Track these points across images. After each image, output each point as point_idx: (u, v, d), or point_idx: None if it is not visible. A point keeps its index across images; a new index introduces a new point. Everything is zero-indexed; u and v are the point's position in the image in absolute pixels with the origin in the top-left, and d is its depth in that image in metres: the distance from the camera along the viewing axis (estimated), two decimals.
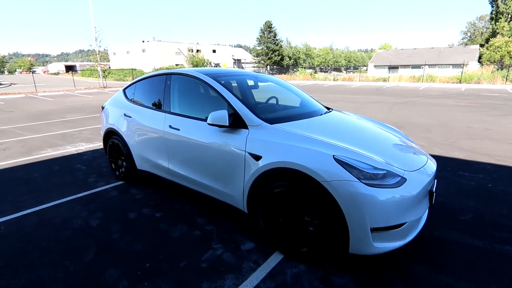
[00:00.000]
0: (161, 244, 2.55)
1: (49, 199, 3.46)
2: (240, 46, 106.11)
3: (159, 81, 3.41)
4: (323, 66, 61.39)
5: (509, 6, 36.78)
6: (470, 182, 3.78)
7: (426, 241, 2.51)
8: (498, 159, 4.68)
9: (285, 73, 39.68)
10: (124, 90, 4.03)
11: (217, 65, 49.84)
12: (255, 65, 52.49)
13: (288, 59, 55.16)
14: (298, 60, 57.89)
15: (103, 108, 4.28)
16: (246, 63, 61.23)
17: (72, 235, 2.71)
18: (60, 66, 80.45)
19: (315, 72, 40.67)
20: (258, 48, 52.76)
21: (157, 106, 3.36)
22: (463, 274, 2.12)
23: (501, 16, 37.77)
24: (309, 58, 63.06)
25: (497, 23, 38.24)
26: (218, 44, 64.44)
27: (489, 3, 39.97)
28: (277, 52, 51.55)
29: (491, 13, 40.02)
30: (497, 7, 38.04)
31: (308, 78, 33.93)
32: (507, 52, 32.40)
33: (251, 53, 60.57)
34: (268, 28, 50.98)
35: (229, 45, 73.36)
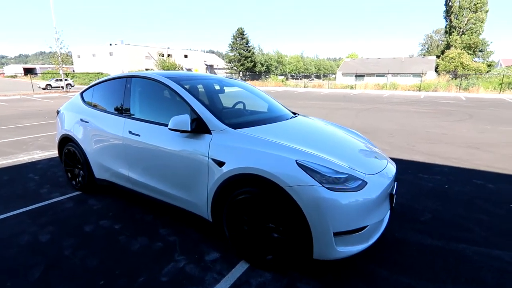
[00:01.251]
0: (118, 258, 2.37)
1: None
2: (212, 52, 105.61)
3: (119, 84, 3.24)
4: (294, 73, 62.82)
5: (461, 21, 40.18)
6: (428, 183, 3.97)
7: (388, 243, 2.57)
8: (454, 161, 4.98)
9: (257, 79, 40.07)
10: (81, 93, 3.78)
11: (189, 70, 49.11)
12: (228, 71, 52.50)
13: (261, 65, 55.78)
14: (270, 67, 58.72)
15: (58, 112, 3.99)
16: (219, 68, 61.06)
17: (18, 253, 2.44)
18: (18, 69, 74.85)
19: (287, 79, 41.52)
20: (230, 54, 52.88)
21: (117, 111, 3.17)
22: (423, 274, 2.18)
23: (454, 30, 41.15)
24: (280, 65, 64.21)
25: (450, 36, 41.60)
26: (190, 49, 63.75)
27: (443, 18, 43.45)
28: (250, 58, 51.97)
29: (446, 26, 43.49)
30: (450, 21, 41.42)
31: (279, 85, 34.51)
32: (460, 63, 35.33)
33: (223, 59, 60.54)
34: (241, 34, 51.34)
35: (202, 51, 72.86)
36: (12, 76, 61.11)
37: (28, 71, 66.00)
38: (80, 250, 2.47)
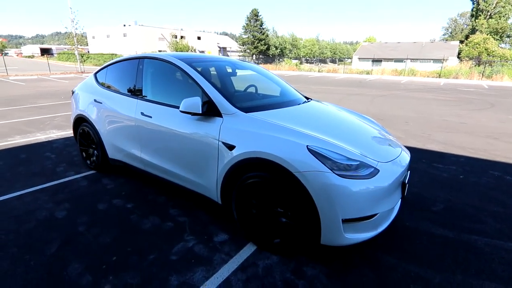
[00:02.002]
0: (130, 236, 2.44)
1: (12, 189, 3.25)
2: (226, 34, 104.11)
3: (131, 65, 3.23)
4: (308, 57, 61.39)
5: (489, 4, 37.85)
6: (443, 173, 3.87)
7: (397, 232, 2.54)
8: (471, 151, 4.82)
9: (270, 63, 39.42)
10: (95, 74, 3.81)
11: (202, 52, 48.73)
12: (241, 53, 51.74)
13: (275, 48, 54.70)
14: (284, 50, 57.53)
15: (73, 93, 4.05)
16: (232, 51, 60.28)
17: (35, 228, 2.55)
18: (35, 49, 76.19)
19: (301, 63, 40.65)
20: (244, 36, 51.92)
21: (129, 92, 3.19)
22: (432, 263, 2.16)
23: (481, 13, 38.88)
24: (295, 49, 62.83)
25: (476, 20, 39.37)
26: (203, 31, 62.94)
27: (470, 0, 40.99)
28: (263, 41, 50.94)
29: (472, 10, 41.11)
30: (478, 4, 39.09)
31: (293, 69, 33.86)
32: (485, 49, 33.53)
33: (237, 42, 59.64)
34: (255, 16, 50.14)
35: (215, 33, 71.85)
36: (29, 56, 62.29)
37: (45, 51, 67.10)
38: (94, 227, 2.56)
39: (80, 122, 3.80)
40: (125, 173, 3.73)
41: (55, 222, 2.64)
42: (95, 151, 3.67)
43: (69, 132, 5.64)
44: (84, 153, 3.89)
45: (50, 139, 5.22)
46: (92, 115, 3.53)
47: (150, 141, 2.91)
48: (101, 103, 3.44)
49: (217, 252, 2.25)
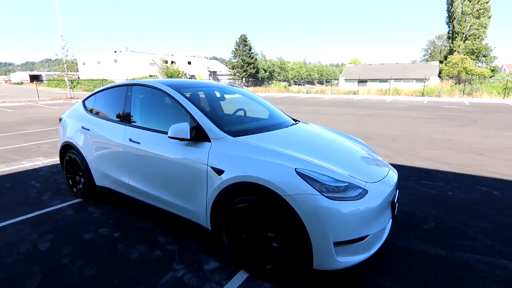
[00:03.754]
0: (117, 267, 2.35)
1: None
2: (215, 58, 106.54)
3: (120, 92, 3.25)
4: (296, 79, 63.05)
5: (464, 27, 40.15)
6: (432, 190, 3.91)
7: (390, 252, 2.52)
8: (457, 167, 4.92)
9: (260, 86, 40.19)
10: (83, 101, 3.80)
11: (192, 76, 49.43)
12: (231, 77, 52.79)
13: (263, 71, 56.06)
14: (273, 73, 58.99)
15: (60, 120, 4.01)
16: (222, 75, 61.44)
17: (16, 261, 2.43)
18: (24, 76, 75.83)
19: (289, 85, 41.59)
20: (233, 60, 53.24)
21: (118, 118, 3.18)
22: (426, 284, 2.13)
23: (457, 35, 41.11)
24: (283, 71, 64.49)
25: (454, 42, 41.54)
26: (194, 56, 64.27)
27: (446, 24, 43.48)
28: (252, 65, 52.28)
29: (448, 32, 43.48)
30: (453, 27, 41.41)
31: (282, 91, 34.59)
32: (463, 68, 35.18)
33: (226, 66, 60.94)
34: (243, 41, 51.74)
35: (205, 57, 73.41)
36: (18, 83, 61.95)
37: (34, 78, 66.89)
38: (78, 259, 2.45)
39: (67, 149, 3.74)
40: (112, 200, 3.64)
41: (38, 255, 2.52)
42: (82, 179, 3.59)
43: (56, 159, 5.52)
44: (70, 181, 3.80)
45: (36, 167, 5.09)
46: (80, 142, 3.49)
47: (138, 167, 2.88)
48: (88, 130, 3.41)
49: (208, 281, 2.17)
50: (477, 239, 2.74)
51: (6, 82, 71.88)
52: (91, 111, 3.61)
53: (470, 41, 40.12)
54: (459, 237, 2.78)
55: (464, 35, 40.64)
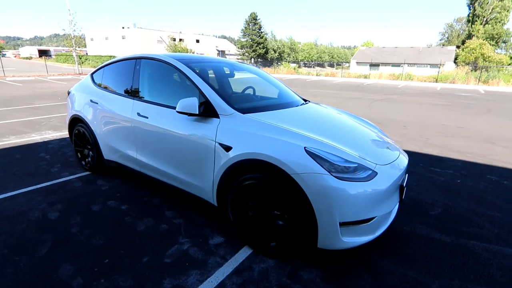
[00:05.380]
0: (124, 238, 2.40)
1: (5, 189, 3.20)
2: (224, 37, 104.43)
3: (128, 65, 3.20)
4: (307, 61, 61.67)
5: (485, 10, 38.28)
6: (440, 177, 3.85)
7: (395, 236, 2.51)
8: (468, 156, 4.82)
9: (269, 66, 39.50)
10: (91, 74, 3.77)
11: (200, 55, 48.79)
12: (240, 57, 51.88)
13: (273, 52, 54.93)
14: (282, 54, 57.76)
15: (69, 93, 4.00)
16: (230, 54, 60.40)
17: (27, 229, 2.50)
18: (33, 50, 75.93)
19: (299, 67, 40.79)
20: (242, 40, 52.11)
21: (126, 92, 3.15)
22: (430, 268, 2.13)
23: (477, 19, 39.30)
24: (293, 52, 63.09)
25: (473, 26, 39.79)
26: (202, 34, 63.13)
27: (467, 6, 41.47)
28: (262, 44, 51.15)
29: (468, 15, 41.56)
30: (474, 10, 39.52)
31: (291, 72, 33.96)
32: (481, 54, 33.85)
33: (235, 45, 59.79)
34: (253, 20, 50.38)
35: (214, 36, 72.07)
36: (27, 58, 62.07)
37: (43, 53, 66.95)
38: (87, 229, 2.51)
39: (76, 122, 3.76)
40: (121, 174, 3.68)
41: (47, 223, 2.59)
42: (90, 152, 3.62)
43: (65, 133, 5.58)
44: (79, 154, 3.84)
45: (45, 140, 5.16)
46: (88, 115, 3.49)
47: (145, 142, 2.87)
48: (97, 103, 3.40)
49: (212, 255, 2.21)
50: (484, 227, 2.70)
51: (15, 57, 72.06)
52: (99, 84, 3.58)
53: (490, 25, 38.39)
54: (465, 224, 2.75)
55: (484, 19, 38.84)
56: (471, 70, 27.92)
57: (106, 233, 2.45)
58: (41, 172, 3.73)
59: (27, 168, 3.84)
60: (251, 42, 50.72)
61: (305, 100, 3.30)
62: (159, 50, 49.79)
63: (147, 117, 2.80)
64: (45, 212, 2.77)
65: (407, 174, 2.44)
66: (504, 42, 40.89)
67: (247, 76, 3.51)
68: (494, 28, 38.14)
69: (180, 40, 49.93)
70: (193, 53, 41.46)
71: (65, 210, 2.82)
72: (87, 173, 3.72)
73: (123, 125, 3.07)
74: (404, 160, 2.40)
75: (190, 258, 2.17)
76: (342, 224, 1.86)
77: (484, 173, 4.06)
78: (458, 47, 41.16)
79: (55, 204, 2.93)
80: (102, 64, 3.69)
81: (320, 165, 1.87)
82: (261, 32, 51.55)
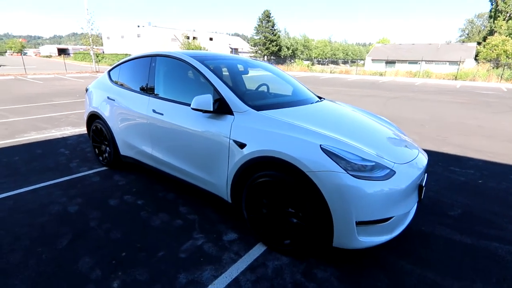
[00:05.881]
0: (140, 232, 2.44)
1: (27, 183, 3.32)
2: (237, 35, 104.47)
3: (144, 63, 3.25)
4: (320, 58, 60.91)
5: (508, 5, 36.70)
6: (460, 177, 3.73)
7: (413, 236, 2.45)
8: (489, 155, 4.64)
9: (282, 64, 39.29)
10: (108, 72, 3.85)
11: None
12: (253, 54, 51.80)
13: (286, 49, 54.60)
14: (296, 51, 57.34)
15: (87, 90, 4.11)
16: (243, 52, 60.41)
17: (48, 221, 2.59)
18: (53, 49, 78.37)
19: (313, 64, 40.38)
20: (255, 37, 52.00)
21: (141, 89, 3.20)
22: (449, 271, 2.07)
23: (500, 14, 37.74)
24: (307, 50, 62.48)
25: (495, 22, 38.22)
26: (215, 32, 63.44)
27: (489, 1, 39.86)
28: (275, 42, 50.89)
29: (490, 11, 39.97)
30: (497, 5, 37.96)
31: (305, 70, 33.66)
32: (504, 51, 32.48)
33: (248, 43, 59.73)
34: (267, 17, 50.16)
35: (227, 34, 72.28)
36: (47, 56, 64.12)
37: (62, 51, 68.94)
38: (104, 223, 2.57)
39: (94, 119, 3.85)
40: (136, 169, 3.75)
41: (67, 217, 2.67)
42: (107, 148, 3.71)
43: (83, 129, 5.73)
44: (96, 150, 3.94)
45: (64, 136, 5.32)
46: (105, 112, 3.57)
47: (161, 138, 2.91)
48: (114, 100, 3.47)
49: (226, 251, 2.22)
50: (507, 229, 2.60)
51: (36, 55, 74.60)
52: (116, 82, 3.65)
53: None
54: (487, 226, 2.65)
55: (508, 14, 37.21)
56: (493, 68, 26.85)
57: (123, 227, 2.51)
58: (61, 167, 3.84)
59: (47, 163, 3.97)
60: (264, 40, 50.54)
61: (319, 97, 3.26)
62: (173, 48, 50.37)
63: (162, 114, 2.83)
64: (65, 206, 2.85)
65: (426, 174, 2.38)
66: None
67: (261, 73, 3.49)
68: None
69: (194, 38, 50.30)
70: (206, 50, 41.74)
71: (84, 204, 2.90)
72: (105, 168, 3.81)
73: (139, 122, 3.12)
74: (423, 159, 2.33)
75: (205, 253, 2.19)
76: (359, 223, 1.83)
77: (507, 173, 3.90)
78: (479, 43, 39.64)
79: (75, 198, 3.01)
80: (119, 62, 3.76)
81: (336, 163, 1.84)
82: (275, 30, 51.27)
